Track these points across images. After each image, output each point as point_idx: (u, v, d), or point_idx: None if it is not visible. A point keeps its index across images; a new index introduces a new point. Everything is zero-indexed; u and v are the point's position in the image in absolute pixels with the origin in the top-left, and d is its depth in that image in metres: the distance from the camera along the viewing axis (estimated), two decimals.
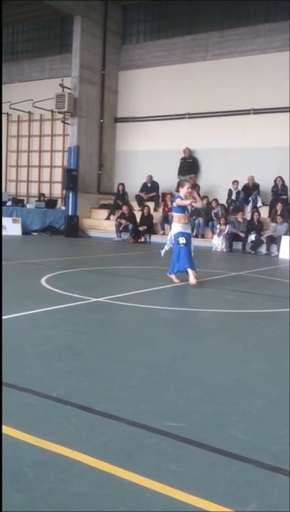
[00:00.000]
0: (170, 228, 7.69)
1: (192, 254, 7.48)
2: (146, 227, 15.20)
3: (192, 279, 7.12)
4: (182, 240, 7.26)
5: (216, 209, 14.81)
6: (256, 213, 14.09)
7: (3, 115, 19.42)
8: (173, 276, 7.43)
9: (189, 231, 7.52)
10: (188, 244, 7.34)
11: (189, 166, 16.14)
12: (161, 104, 16.80)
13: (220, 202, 15.00)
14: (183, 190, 7.30)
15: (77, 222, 16.37)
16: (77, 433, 2.49)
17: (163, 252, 7.75)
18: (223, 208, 14.89)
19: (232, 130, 15.56)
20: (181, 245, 7.26)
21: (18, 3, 16.85)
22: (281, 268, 10.76)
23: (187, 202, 7.27)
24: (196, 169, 16.32)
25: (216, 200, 14.94)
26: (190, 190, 7.28)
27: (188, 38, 16.58)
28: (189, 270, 7.21)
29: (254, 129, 15.31)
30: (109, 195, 17.61)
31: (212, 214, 14.82)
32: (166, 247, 7.66)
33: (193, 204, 7.54)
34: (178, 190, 7.99)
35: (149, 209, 15.69)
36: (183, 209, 7.34)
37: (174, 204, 7.45)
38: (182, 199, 7.29)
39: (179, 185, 7.79)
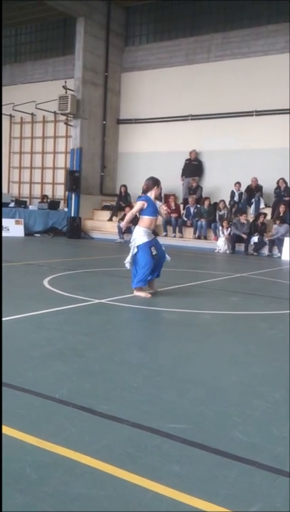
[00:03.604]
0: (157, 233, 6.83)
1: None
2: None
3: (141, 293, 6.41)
4: (155, 251, 6.38)
5: (223, 211, 14.80)
6: (261, 216, 14.05)
7: (6, 117, 19.47)
8: (141, 293, 6.41)
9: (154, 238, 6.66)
10: (159, 255, 6.49)
11: (194, 168, 16.14)
12: (164, 106, 16.82)
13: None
14: (157, 191, 6.55)
15: (80, 224, 16.39)
16: (80, 434, 2.49)
17: (128, 264, 6.56)
18: (229, 211, 14.88)
19: (235, 132, 15.57)
20: (154, 256, 6.39)
21: (21, 4, 16.91)
22: (284, 270, 10.74)
23: (131, 215, 6.53)
24: (201, 172, 16.32)
25: (224, 201, 14.93)
26: (159, 191, 6.52)
27: (191, 39, 16.59)
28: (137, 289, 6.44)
29: (257, 130, 15.31)
30: (111, 196, 17.62)
31: (217, 216, 14.81)
32: (129, 259, 6.50)
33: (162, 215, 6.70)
34: (147, 189, 6.60)
35: None
36: (154, 211, 6.48)
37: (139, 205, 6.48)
38: (148, 202, 6.43)
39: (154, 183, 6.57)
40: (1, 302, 4.85)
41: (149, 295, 6.41)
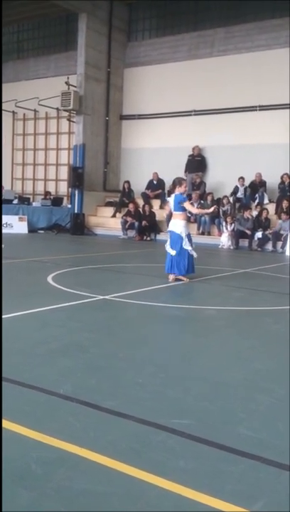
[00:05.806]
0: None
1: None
2: (147, 224, 15.08)
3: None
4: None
5: (226, 206, 14.76)
6: (264, 211, 14.02)
7: (9, 113, 19.45)
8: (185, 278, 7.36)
9: None
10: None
11: (197, 163, 16.10)
12: (167, 101, 16.75)
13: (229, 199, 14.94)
14: (181, 189, 7.28)
15: (83, 220, 16.38)
16: (85, 430, 2.49)
17: (194, 253, 7.40)
18: (233, 206, 14.83)
19: (239, 127, 15.50)
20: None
21: (23, 1, 16.83)
22: (288, 265, 10.71)
23: (196, 211, 8.18)
24: (204, 167, 16.27)
25: (227, 197, 14.88)
26: (186, 188, 7.35)
27: (194, 34, 16.51)
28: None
29: (261, 125, 15.23)
30: (114, 192, 17.60)
31: (221, 211, 14.77)
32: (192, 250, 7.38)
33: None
34: (173, 190, 7.61)
35: (151, 207, 15.58)
36: (184, 207, 7.34)
37: (184, 205, 7.26)
38: (183, 200, 7.27)
39: (175, 183, 7.48)
40: (0, 298, 4.86)
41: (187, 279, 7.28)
